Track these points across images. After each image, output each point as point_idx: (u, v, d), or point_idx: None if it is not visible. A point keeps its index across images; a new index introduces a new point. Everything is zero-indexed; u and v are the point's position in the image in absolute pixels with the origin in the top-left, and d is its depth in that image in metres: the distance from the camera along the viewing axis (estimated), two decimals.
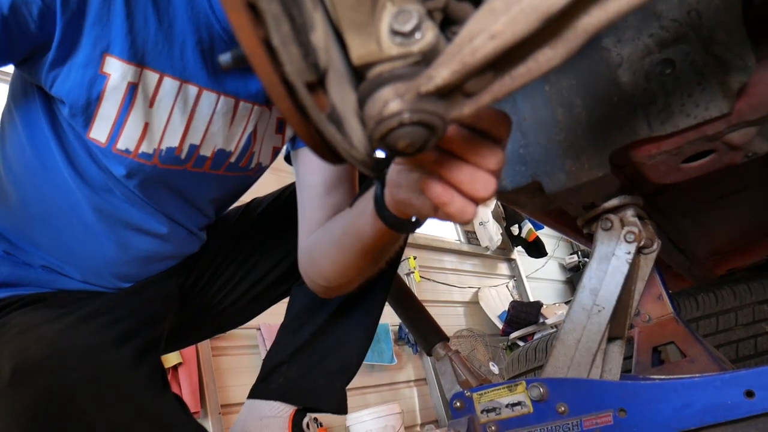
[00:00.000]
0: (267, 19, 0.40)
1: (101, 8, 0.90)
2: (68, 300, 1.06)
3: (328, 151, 0.48)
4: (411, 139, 0.46)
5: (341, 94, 0.47)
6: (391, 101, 0.44)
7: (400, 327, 4.99)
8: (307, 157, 1.15)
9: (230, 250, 1.31)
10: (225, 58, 0.53)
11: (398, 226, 0.82)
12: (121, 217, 1.08)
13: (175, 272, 1.24)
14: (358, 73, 0.48)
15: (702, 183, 0.99)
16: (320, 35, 0.44)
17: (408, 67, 0.45)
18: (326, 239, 1.03)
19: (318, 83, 0.44)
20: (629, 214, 0.98)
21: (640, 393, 0.83)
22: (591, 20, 0.43)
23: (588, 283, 0.94)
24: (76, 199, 1.04)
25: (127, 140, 0.99)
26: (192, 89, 1.02)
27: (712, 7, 0.79)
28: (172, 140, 1.03)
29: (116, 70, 0.93)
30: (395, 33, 0.44)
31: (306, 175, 1.14)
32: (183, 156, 1.06)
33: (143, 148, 1.01)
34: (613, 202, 0.98)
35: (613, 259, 0.94)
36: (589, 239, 0.99)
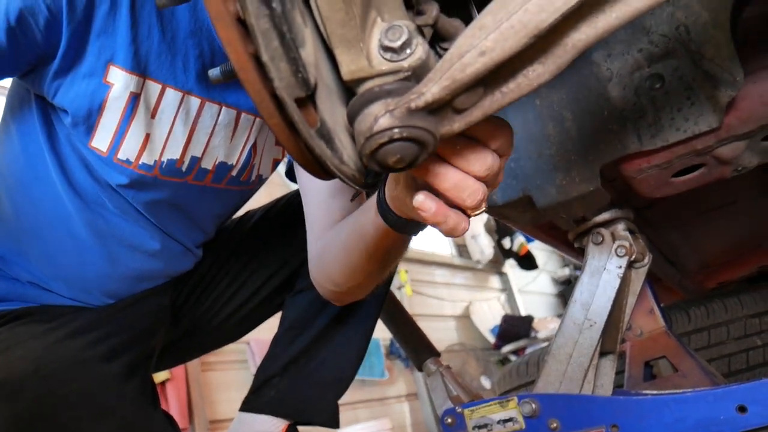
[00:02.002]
0: (256, 34, 0.40)
1: (107, 18, 0.90)
2: (56, 315, 1.05)
3: (317, 167, 0.48)
4: (401, 154, 0.46)
5: (331, 109, 0.47)
6: (381, 117, 0.44)
7: (391, 341, 4.97)
8: None
9: (223, 264, 1.30)
10: (214, 72, 0.53)
11: (399, 226, 0.80)
12: (113, 232, 1.07)
13: (167, 287, 1.23)
14: (348, 89, 0.48)
15: (692, 197, 1.00)
16: (310, 51, 0.44)
17: (398, 82, 0.45)
18: (335, 241, 1.01)
19: (308, 99, 0.44)
20: (620, 228, 0.98)
21: (632, 408, 0.83)
22: (580, 36, 0.43)
23: (579, 297, 0.93)
24: (67, 211, 1.04)
25: (127, 150, 0.98)
26: (194, 101, 1.01)
27: (700, 22, 0.79)
28: (174, 152, 1.03)
29: (119, 80, 0.93)
30: (385, 48, 0.44)
31: (310, 180, 1.11)
32: (184, 168, 1.06)
33: (144, 159, 1.00)
34: (604, 216, 0.98)
35: (605, 273, 0.93)
36: (580, 253, 0.99)
